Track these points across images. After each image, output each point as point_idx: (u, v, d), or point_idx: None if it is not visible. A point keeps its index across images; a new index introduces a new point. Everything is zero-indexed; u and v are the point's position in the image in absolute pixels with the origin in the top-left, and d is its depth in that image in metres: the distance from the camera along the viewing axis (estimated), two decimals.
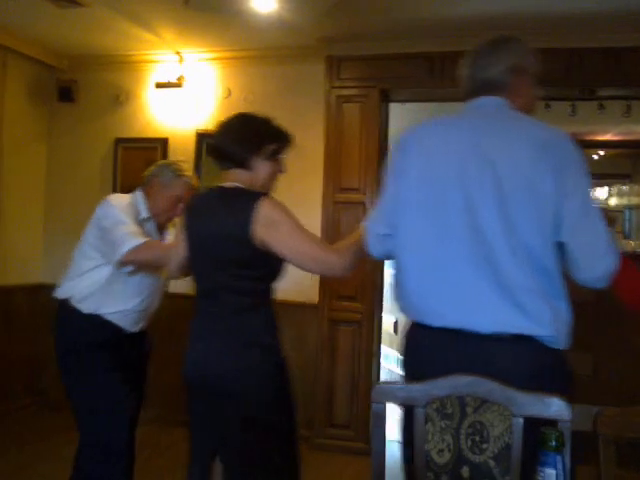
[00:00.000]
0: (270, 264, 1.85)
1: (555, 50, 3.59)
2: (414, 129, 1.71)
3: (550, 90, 3.88)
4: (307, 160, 3.95)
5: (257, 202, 1.78)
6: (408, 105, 4.52)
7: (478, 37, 3.54)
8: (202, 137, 4.16)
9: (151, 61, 4.30)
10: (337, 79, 3.88)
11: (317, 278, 3.83)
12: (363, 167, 3.80)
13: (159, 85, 4.17)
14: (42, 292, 4.37)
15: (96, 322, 2.37)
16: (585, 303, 1.96)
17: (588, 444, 1.47)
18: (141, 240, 2.28)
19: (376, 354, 3.98)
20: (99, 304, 2.37)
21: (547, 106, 4.25)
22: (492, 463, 1.36)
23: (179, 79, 4.13)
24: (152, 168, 2.54)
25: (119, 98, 4.35)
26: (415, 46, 3.76)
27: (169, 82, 4.14)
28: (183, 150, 4.20)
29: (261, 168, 1.92)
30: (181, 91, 4.16)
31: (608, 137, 6.03)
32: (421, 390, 1.40)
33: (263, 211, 1.77)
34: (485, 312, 1.50)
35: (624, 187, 6.19)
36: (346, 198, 3.80)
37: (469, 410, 1.40)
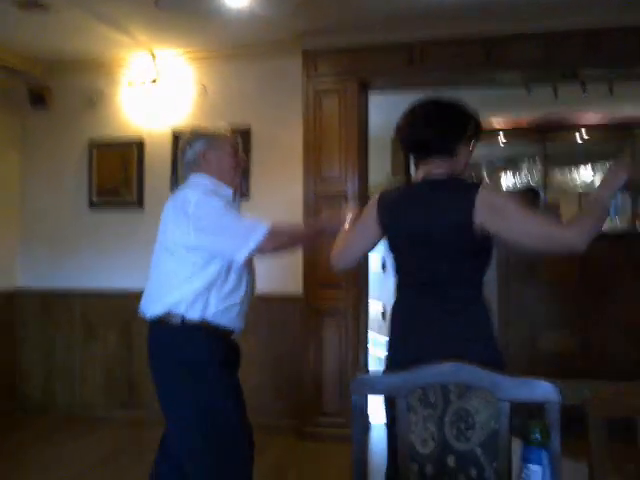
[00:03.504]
0: (487, 252, 1.81)
1: (534, 34, 3.56)
2: None
3: (531, 74, 3.89)
4: (287, 155, 3.91)
5: (477, 189, 1.73)
6: (388, 96, 4.46)
7: (454, 23, 3.56)
8: (178, 137, 4.07)
9: (124, 61, 4.21)
10: (314, 73, 3.83)
11: (300, 269, 3.77)
12: (343, 159, 3.75)
13: (132, 85, 4.08)
14: (19, 298, 4.39)
15: (210, 330, 2.08)
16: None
17: (582, 418, 1.41)
18: (267, 224, 2.05)
19: (363, 342, 3.93)
20: (207, 305, 2.08)
21: (528, 90, 4.20)
22: (479, 451, 1.30)
23: (153, 79, 4.04)
24: (184, 149, 2.23)
25: (92, 99, 4.26)
26: (391, 35, 3.70)
27: (143, 82, 4.05)
28: (160, 150, 4.13)
29: (462, 154, 1.86)
30: (156, 90, 4.08)
31: (592, 118, 6.00)
32: (402, 380, 1.34)
33: (485, 198, 1.72)
34: None
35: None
36: (327, 190, 3.74)
37: (453, 397, 1.34)
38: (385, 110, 4.72)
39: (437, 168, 1.83)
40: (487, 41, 3.61)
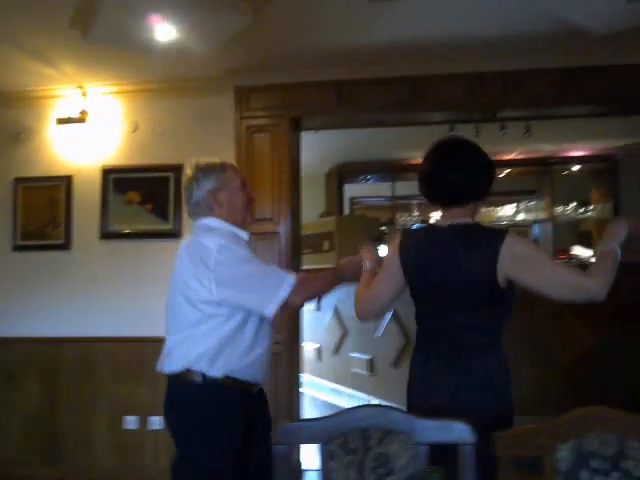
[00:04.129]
0: (508, 300, 1.83)
1: (458, 75, 3.72)
2: None
3: (454, 113, 4.06)
4: None
5: (502, 238, 1.76)
6: (321, 133, 4.57)
7: (381, 63, 3.69)
8: (108, 173, 4.01)
9: (53, 96, 4.13)
10: (247, 109, 3.86)
11: None
12: (276, 196, 3.77)
13: (61, 121, 4.01)
14: None
15: (232, 386, 1.98)
16: None
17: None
18: (292, 276, 1.98)
19: (296, 385, 3.90)
20: (230, 360, 1.98)
21: (452, 129, 4.40)
22: None
23: (82, 114, 3.99)
24: (190, 188, 2.10)
25: (20, 136, 4.14)
26: (324, 74, 3.79)
27: (71, 117, 3.98)
28: (89, 188, 4.03)
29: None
30: (85, 126, 4.01)
31: (513, 156, 6.32)
32: (324, 427, 1.36)
33: (509, 246, 1.75)
34: None
35: (531, 203, 6.52)
36: (260, 229, 3.74)
37: (373, 443, 1.37)
38: (317, 147, 4.83)
39: (463, 214, 1.85)
40: (412, 81, 3.74)
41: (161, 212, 3.91)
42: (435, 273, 1.82)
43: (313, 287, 2.11)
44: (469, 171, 1.83)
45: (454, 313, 1.81)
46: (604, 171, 6.61)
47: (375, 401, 4.44)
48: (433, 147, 1.92)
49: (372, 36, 3.35)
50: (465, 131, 4.70)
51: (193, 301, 1.96)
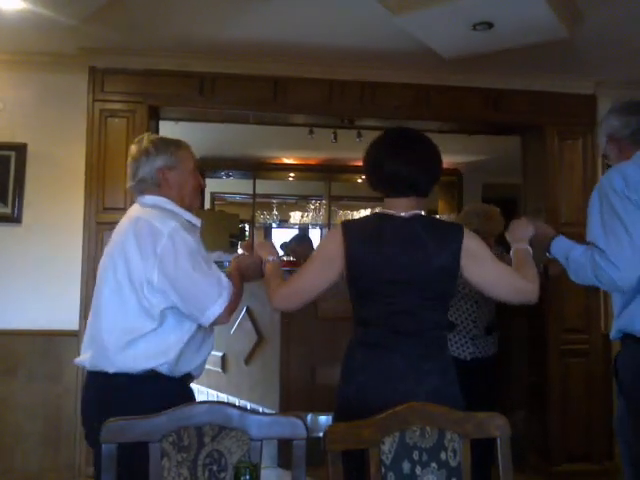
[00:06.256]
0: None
1: (319, 80, 3.81)
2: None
3: (313, 117, 4.16)
4: (68, 177, 3.66)
5: (462, 232, 1.77)
6: (182, 124, 4.46)
7: (248, 61, 3.68)
8: None
9: None
10: (101, 92, 3.67)
11: (77, 302, 3.53)
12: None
13: None
14: None
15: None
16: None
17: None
18: (228, 286, 1.82)
19: None
20: (191, 360, 1.86)
21: (311, 132, 4.52)
22: None
23: None
24: (138, 160, 1.93)
25: None
26: (186, 64, 3.71)
27: None
28: None
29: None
30: None
31: None
32: (156, 424, 1.32)
33: (469, 242, 1.77)
34: None
35: None
36: (110, 218, 3.56)
37: (207, 440, 1.36)
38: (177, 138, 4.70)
39: (413, 205, 1.81)
40: (275, 81, 3.77)
41: None
42: (404, 267, 1.74)
43: (237, 299, 1.92)
44: (429, 164, 1.82)
45: (426, 309, 1.75)
46: (450, 184, 7.14)
47: (229, 399, 4.36)
48: (389, 135, 1.87)
49: (237, 32, 3.34)
50: (324, 135, 4.85)
51: (137, 287, 1.78)
